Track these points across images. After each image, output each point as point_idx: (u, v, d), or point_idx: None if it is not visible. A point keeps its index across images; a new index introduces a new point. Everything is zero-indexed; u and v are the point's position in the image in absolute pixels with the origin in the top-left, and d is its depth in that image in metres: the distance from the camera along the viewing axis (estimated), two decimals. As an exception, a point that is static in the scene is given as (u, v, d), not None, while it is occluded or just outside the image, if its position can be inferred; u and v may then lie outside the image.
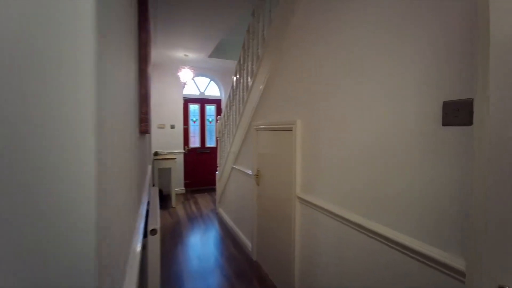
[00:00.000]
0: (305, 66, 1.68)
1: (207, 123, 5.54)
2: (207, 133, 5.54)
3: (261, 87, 2.38)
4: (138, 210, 1.23)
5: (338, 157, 1.38)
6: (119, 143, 0.64)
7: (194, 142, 5.47)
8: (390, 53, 1.07)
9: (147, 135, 2.21)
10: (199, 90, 5.50)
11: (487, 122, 0.75)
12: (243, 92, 2.89)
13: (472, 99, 0.79)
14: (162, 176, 4.79)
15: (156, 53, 4.26)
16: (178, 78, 4.59)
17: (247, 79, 2.74)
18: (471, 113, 0.79)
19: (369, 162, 1.18)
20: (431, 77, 0.91)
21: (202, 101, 5.47)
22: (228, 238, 3.11)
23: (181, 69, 4.27)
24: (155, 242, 1.25)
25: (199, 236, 3.20)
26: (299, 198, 1.73)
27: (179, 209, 4.23)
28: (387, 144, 1.09)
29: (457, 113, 0.83)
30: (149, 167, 2.92)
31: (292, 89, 1.83)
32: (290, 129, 1.82)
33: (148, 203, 1.75)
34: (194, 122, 5.45)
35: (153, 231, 1.24)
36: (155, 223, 1.33)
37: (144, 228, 1.29)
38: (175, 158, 4.29)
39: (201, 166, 5.41)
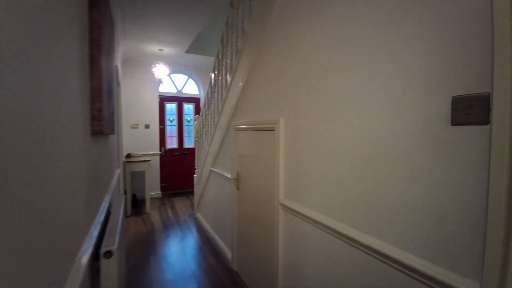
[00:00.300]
0: (289, 59, 1.51)
1: (185, 123, 5.25)
2: (185, 134, 5.26)
3: (240, 84, 2.19)
4: (88, 230, 1.00)
5: (326, 161, 1.23)
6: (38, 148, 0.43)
7: (171, 143, 5.17)
8: (388, 39, 0.93)
9: (111, 136, 1.95)
10: (176, 88, 5.21)
11: (509, 120, 0.61)
12: (221, 89, 2.68)
13: (489, 93, 0.66)
14: (135, 180, 4.46)
15: (127, 46, 3.93)
16: (152, 74, 4.28)
17: (226, 75, 2.54)
18: (487, 110, 0.66)
19: (361, 168, 1.03)
20: (438, 66, 0.77)
21: (180, 100, 5.18)
22: (206, 246, 2.89)
23: (155, 65, 3.98)
24: (110, 267, 1.02)
25: (175, 245, 2.95)
26: (283, 205, 1.56)
27: (154, 215, 3.94)
28: (383, 147, 0.94)
29: (470, 110, 0.70)
30: (118, 172, 2.63)
31: (274, 85, 1.67)
32: (273, 129, 1.66)
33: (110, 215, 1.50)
34: (171, 121, 5.15)
35: (108, 254, 1.02)
36: (112, 242, 1.10)
37: (97, 249, 1.06)
38: (149, 161, 3.99)
39: (179, 168, 5.12)
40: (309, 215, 1.32)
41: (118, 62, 3.05)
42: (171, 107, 5.14)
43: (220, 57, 2.71)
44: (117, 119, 2.80)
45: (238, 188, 2.25)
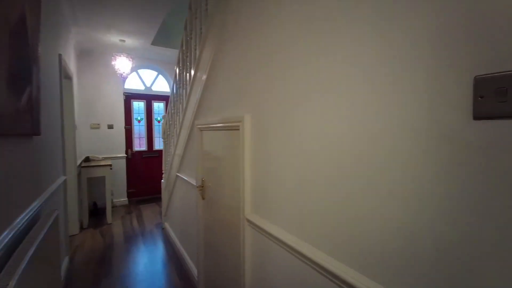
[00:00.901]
0: (253, 42, 1.23)
1: (155, 122, 4.84)
2: (155, 134, 4.85)
3: (204, 77, 1.89)
4: None
5: (297, 169, 0.96)
6: None
7: (140, 145, 4.74)
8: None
9: (37, 137, 1.57)
10: (145, 85, 4.78)
11: None
12: (186, 84, 2.36)
13: (539, 68, 0.41)
14: (97, 186, 3.99)
15: (81, 35, 3.48)
16: (117, 69, 3.84)
17: (190, 68, 2.22)
18: (536, 95, 0.42)
19: (340, 184, 0.78)
20: (450, 28, 0.52)
21: (149, 98, 4.76)
22: (172, 262, 2.55)
23: (115, 58, 3.55)
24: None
25: (135, 262, 2.58)
26: (249, 221, 1.28)
27: (116, 226, 3.52)
28: (372, 152, 0.69)
29: (505, 96, 0.45)
30: (62, 180, 2.23)
31: (239, 75, 1.38)
32: (237, 128, 1.37)
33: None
34: (139, 121, 4.72)
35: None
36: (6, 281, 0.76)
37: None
38: (109, 165, 3.56)
39: (148, 172, 4.70)
40: (278, 236, 1.05)
41: (64, 50, 2.62)
42: (139, 105, 4.71)
43: (184, 47, 2.38)
44: (61, 117, 2.38)
45: (203, 197, 1.94)
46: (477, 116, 0.49)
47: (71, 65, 3.27)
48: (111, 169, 3.62)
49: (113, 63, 3.63)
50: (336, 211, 0.80)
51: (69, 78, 3.14)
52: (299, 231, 0.97)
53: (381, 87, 0.66)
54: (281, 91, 1.04)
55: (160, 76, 4.90)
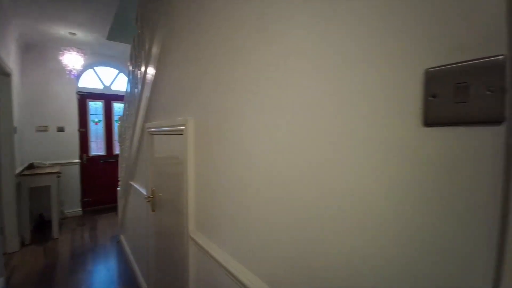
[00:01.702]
0: (203, 36, 1.07)
1: (115, 124, 4.46)
2: (115, 137, 4.47)
3: (153, 75, 1.69)
4: None
5: (242, 181, 0.81)
6: None
7: (97, 149, 4.34)
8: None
9: None
10: (103, 84, 4.40)
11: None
12: (137, 82, 2.13)
13: (504, 57, 0.30)
14: (43, 196, 3.55)
15: (24, 26, 3.08)
16: (65, 65, 3.46)
17: (141, 64, 2.00)
18: (501, 93, 0.31)
19: (287, 203, 0.64)
20: (395, 10, 0.41)
21: (108, 98, 4.38)
22: (123, 281, 2.28)
23: (64, 52, 3.19)
24: None
25: (82, 282, 2.27)
26: (193, 239, 1.11)
27: (64, 241, 3.14)
28: (321, 166, 0.56)
29: (466, 94, 0.34)
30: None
31: (186, 73, 1.21)
32: (181, 132, 1.20)
33: None
34: (97, 123, 4.32)
35: None
36: None
37: None
38: (57, 173, 3.17)
39: (107, 179, 4.30)
40: (220, 260, 0.89)
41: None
42: (96, 106, 4.31)
43: (136, 41, 2.15)
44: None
45: (153, 210, 1.73)
46: (428, 122, 0.37)
47: (10, 60, 2.87)
48: (58, 177, 3.24)
49: (60, 58, 3.26)
50: (279, 237, 0.66)
51: (6, 74, 2.75)
52: (243, 257, 0.82)
53: (317, 86, 0.54)
54: (227, 95, 0.89)
55: (122, 75, 4.55)
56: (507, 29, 0.30)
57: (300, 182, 0.59)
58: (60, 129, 3.81)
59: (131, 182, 2.34)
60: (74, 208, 3.99)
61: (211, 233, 1.01)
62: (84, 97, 4.13)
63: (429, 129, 0.37)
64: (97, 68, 4.33)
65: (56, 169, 3.29)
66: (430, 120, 0.37)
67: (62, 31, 3.19)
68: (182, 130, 1.18)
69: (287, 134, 0.62)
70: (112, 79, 4.48)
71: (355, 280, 0.47)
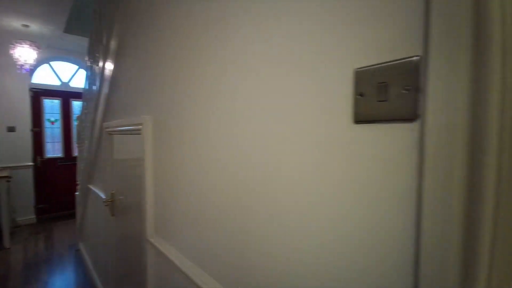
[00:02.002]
0: (164, 33, 1.03)
1: (74, 124, 4.16)
2: (74, 138, 4.16)
3: (111, 69, 1.59)
4: None
5: (197, 184, 0.80)
6: None
7: (54, 151, 4.01)
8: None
9: None
10: (61, 80, 4.08)
11: (464, 112, 0.29)
12: (95, 78, 2.01)
13: (420, 58, 0.32)
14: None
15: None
16: (16, 59, 3.14)
17: (99, 59, 1.88)
18: (415, 92, 0.33)
19: (237, 204, 0.64)
20: (330, 11, 0.42)
21: (66, 95, 4.07)
22: (81, 292, 2.13)
23: (15, 46, 2.91)
24: None
25: (32, 297, 2.08)
26: (151, 244, 1.06)
27: (16, 251, 2.86)
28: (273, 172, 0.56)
29: (385, 93, 0.36)
30: None
31: (146, 69, 1.16)
32: (139, 132, 1.14)
33: None
34: (53, 123, 3.99)
35: None
36: None
37: None
38: (6, 177, 2.88)
39: (65, 183, 3.99)
40: (179, 265, 0.86)
41: None
42: (52, 104, 3.98)
43: (93, 34, 2.02)
44: None
45: (112, 214, 1.63)
46: (357, 120, 0.39)
47: None
48: (8, 181, 2.94)
49: (11, 52, 2.96)
50: (230, 237, 0.66)
51: None
52: (201, 260, 0.80)
53: (263, 87, 0.54)
54: (187, 95, 0.87)
55: (82, 71, 4.25)
56: (422, 32, 0.32)
57: (246, 186, 0.59)
58: (11, 129, 3.46)
59: (90, 186, 2.19)
60: (28, 215, 3.65)
61: (170, 237, 0.98)
62: (39, 94, 3.79)
63: (358, 126, 0.39)
64: (54, 63, 4.00)
65: (5, 173, 2.98)
66: (359, 117, 0.39)
67: (14, 22, 2.90)
68: (139, 129, 1.12)
69: (240, 138, 0.62)
70: (71, 75, 4.17)
71: (296, 276, 0.48)
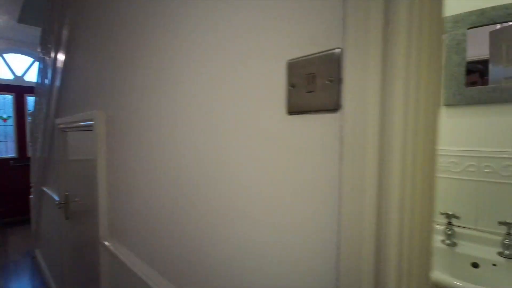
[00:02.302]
0: (118, 23, 0.96)
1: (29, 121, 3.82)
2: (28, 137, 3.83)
3: (64, 61, 1.48)
4: None
5: (146, 186, 0.76)
6: None
7: (7, 151, 3.66)
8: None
9: None
10: (14, 74, 3.73)
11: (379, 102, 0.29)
12: (47, 71, 1.86)
13: (341, 50, 0.33)
14: None
15: None
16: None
17: (51, 50, 1.74)
18: (338, 83, 0.33)
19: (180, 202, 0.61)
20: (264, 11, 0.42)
21: (20, 90, 3.73)
22: (35, 303, 1.97)
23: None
24: None
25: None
26: (105, 247, 1.00)
27: (-43, 263, 2.56)
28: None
29: (313, 84, 0.36)
30: None
31: (99, 61, 1.08)
32: (91, 128, 1.07)
33: None
34: (5, 120, 3.64)
35: None
36: None
37: None
38: None
39: (19, 186, 3.66)
40: (133, 268, 0.82)
41: None
42: (4, 99, 3.63)
43: (46, 23, 1.86)
44: None
45: (66, 217, 1.52)
46: (290, 111, 0.39)
47: None
48: None
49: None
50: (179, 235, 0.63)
51: None
52: (155, 261, 0.76)
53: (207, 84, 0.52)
54: (141, 90, 0.82)
55: (37, 64, 3.92)
56: (343, 25, 0.33)
57: (181, 185, 0.57)
58: (-50, 127, 3.09)
59: (44, 188, 2.03)
60: (-26, 222, 3.29)
61: (125, 239, 0.93)
62: (-14, 88, 3.43)
63: (291, 117, 0.39)
64: (7, 56, 3.64)
65: None
66: (291, 108, 0.39)
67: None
68: (91, 126, 1.05)
69: (192, 135, 0.59)
70: (26, 68, 3.83)
71: (231, 272, 0.48)
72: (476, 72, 0.88)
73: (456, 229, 0.87)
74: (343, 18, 0.32)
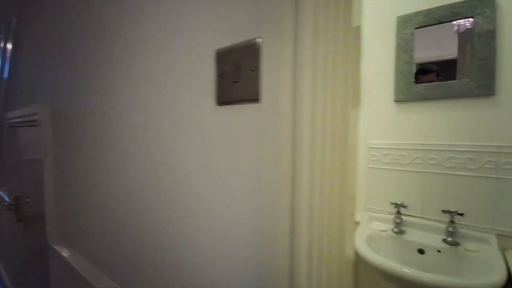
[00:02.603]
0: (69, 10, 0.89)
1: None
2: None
3: (12, 49, 1.36)
4: None
5: (100, 184, 0.72)
6: None
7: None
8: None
9: None
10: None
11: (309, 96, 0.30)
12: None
13: (262, 40, 0.33)
14: None
15: None
16: None
17: (3, 37, 1.59)
18: (260, 71, 0.33)
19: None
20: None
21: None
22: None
23: None
24: None
25: None
26: (54, 250, 0.94)
27: None
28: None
29: (238, 74, 0.36)
30: None
31: (48, 51, 1.00)
32: (35, 124, 0.99)
33: None
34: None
35: None
36: None
37: None
38: None
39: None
40: (79, 268, 0.77)
41: None
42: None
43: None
44: None
45: (17, 219, 1.41)
46: (219, 102, 0.38)
47: None
48: None
49: None
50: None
51: None
52: (106, 267, 0.73)
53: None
54: (91, 83, 0.77)
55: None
56: (263, 15, 0.32)
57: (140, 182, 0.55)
58: None
59: (-5, 189, 1.86)
60: None
61: (75, 242, 0.87)
62: None
63: (221, 107, 0.38)
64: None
65: None
66: (220, 99, 0.38)
67: None
68: (36, 121, 0.98)
69: (134, 132, 0.57)
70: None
71: (182, 269, 0.47)
72: (434, 72, 0.93)
73: (404, 218, 0.93)
74: (261, 8, 0.32)
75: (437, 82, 0.89)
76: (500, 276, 0.65)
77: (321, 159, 0.28)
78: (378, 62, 0.99)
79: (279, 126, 0.29)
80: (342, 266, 0.33)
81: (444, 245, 0.84)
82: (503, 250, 0.77)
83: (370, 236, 0.89)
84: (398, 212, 0.93)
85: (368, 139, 1.02)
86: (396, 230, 0.91)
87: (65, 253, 0.87)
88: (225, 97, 0.37)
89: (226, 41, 0.37)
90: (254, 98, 0.33)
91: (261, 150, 0.33)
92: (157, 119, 0.50)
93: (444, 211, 0.87)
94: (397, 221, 0.92)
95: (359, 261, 0.99)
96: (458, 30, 0.86)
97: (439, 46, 0.91)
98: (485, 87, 0.81)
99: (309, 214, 0.28)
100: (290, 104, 0.28)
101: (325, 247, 0.29)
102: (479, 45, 0.81)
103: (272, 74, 0.30)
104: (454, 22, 0.86)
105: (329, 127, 0.28)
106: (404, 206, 0.93)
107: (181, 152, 0.45)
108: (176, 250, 0.47)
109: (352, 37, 0.32)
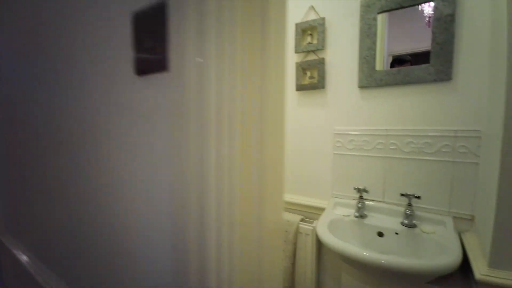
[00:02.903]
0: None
1: None
2: None
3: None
4: None
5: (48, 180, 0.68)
6: None
7: None
8: None
9: None
10: None
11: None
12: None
13: (166, 2, 0.30)
14: None
15: None
16: None
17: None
18: (166, 37, 0.31)
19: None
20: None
21: None
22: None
23: None
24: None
25: None
26: (2, 243, 0.89)
27: None
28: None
29: (153, 40, 0.33)
30: None
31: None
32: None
33: None
34: None
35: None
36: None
37: None
38: None
39: None
40: (30, 267, 0.73)
41: None
42: None
43: None
44: None
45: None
46: (137, 72, 0.36)
47: None
48: None
49: None
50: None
51: None
52: (54, 264, 0.69)
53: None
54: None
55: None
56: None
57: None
58: None
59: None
60: None
61: (22, 235, 0.83)
62: None
63: (140, 78, 0.36)
64: None
65: None
66: (138, 69, 0.36)
67: None
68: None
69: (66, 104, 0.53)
70: None
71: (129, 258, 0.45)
72: (408, 62, 0.93)
73: (367, 202, 0.94)
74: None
75: (397, 68, 0.90)
76: (454, 257, 0.66)
77: (228, 130, 0.26)
78: (343, 48, 0.98)
79: (185, 98, 0.27)
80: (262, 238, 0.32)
81: (401, 227, 0.86)
82: (459, 232, 0.79)
83: (332, 221, 0.89)
84: (361, 197, 0.94)
85: (333, 125, 1.02)
86: (357, 214, 0.92)
87: (12, 246, 0.82)
88: (141, 66, 0.35)
89: (144, 2, 0.34)
90: (162, 67, 0.31)
91: (172, 126, 0.31)
92: (84, 95, 0.47)
93: (402, 195, 0.88)
94: (359, 205, 0.93)
95: (322, 246, 1.01)
96: (429, 20, 0.86)
97: (410, 36, 0.92)
98: (442, 72, 0.82)
99: (215, 193, 0.27)
100: (196, 76, 0.26)
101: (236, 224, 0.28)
102: (438, 29, 0.81)
103: (178, 42, 0.28)
104: (425, 13, 0.86)
105: (240, 101, 0.27)
106: (366, 191, 0.94)
107: (113, 133, 0.43)
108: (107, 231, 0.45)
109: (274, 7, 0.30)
